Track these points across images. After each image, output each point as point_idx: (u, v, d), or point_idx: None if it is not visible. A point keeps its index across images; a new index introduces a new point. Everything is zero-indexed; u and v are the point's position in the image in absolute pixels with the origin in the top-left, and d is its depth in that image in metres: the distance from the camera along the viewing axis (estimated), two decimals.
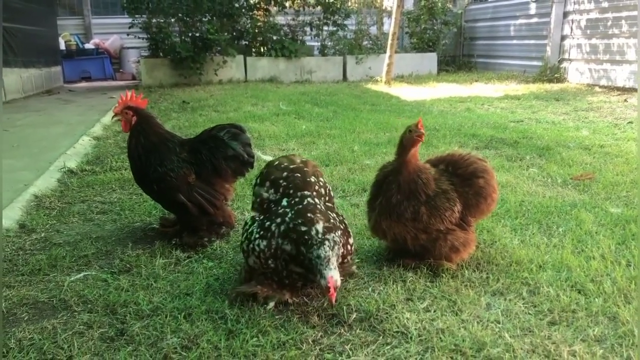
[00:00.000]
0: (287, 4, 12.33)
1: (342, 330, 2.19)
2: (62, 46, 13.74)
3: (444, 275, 2.61)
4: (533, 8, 11.70)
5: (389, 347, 2.07)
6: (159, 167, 3.00)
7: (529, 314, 2.29)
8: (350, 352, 2.04)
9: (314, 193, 2.44)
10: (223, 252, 2.99)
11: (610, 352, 2.02)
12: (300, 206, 2.32)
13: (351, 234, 2.46)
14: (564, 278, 2.56)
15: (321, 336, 2.15)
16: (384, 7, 14.53)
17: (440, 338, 2.11)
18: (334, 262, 2.14)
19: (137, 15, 11.15)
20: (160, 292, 2.52)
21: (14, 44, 9.66)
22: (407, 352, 2.04)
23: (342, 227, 2.38)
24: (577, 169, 4.43)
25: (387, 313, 2.29)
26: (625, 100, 8.15)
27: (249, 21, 12.24)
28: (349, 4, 13.40)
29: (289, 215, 2.29)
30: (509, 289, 2.49)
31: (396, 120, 6.69)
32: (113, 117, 3.13)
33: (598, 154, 4.92)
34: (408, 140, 2.57)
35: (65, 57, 13.58)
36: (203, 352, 2.04)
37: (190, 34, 11.30)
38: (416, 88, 10.54)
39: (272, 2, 12.08)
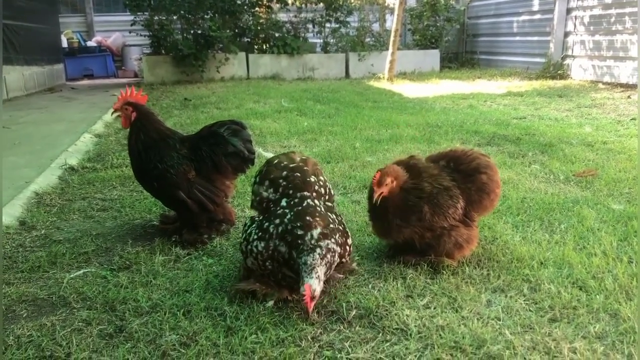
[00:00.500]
0: (289, 1, 12.30)
1: (342, 327, 2.18)
2: (65, 44, 13.75)
3: (444, 272, 2.60)
4: None
5: (388, 344, 2.06)
6: (158, 164, 2.99)
7: (530, 310, 2.28)
8: (350, 349, 2.03)
9: (314, 194, 2.43)
10: (223, 249, 2.98)
11: (611, 349, 2.00)
12: (300, 208, 2.31)
13: (349, 234, 2.45)
14: (565, 275, 2.55)
15: (320, 333, 2.14)
16: (386, 4, 14.45)
17: (440, 335, 2.10)
18: (318, 272, 2.12)
19: (139, 13, 11.13)
20: (160, 289, 2.52)
21: (16, 42, 9.67)
22: (406, 349, 2.03)
23: (340, 227, 2.37)
24: (580, 165, 4.40)
25: (386, 310, 2.28)
26: (629, 97, 8.10)
27: (251, 18, 12.21)
28: (351, 0, 13.35)
29: (288, 216, 2.28)
30: (510, 286, 2.48)
31: (398, 117, 6.67)
32: (113, 113, 3.13)
33: (601, 150, 4.89)
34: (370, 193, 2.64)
35: (67, 54, 13.60)
36: (202, 349, 2.04)
37: (192, 31, 11.29)
38: (419, 85, 10.50)
39: None
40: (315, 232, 2.19)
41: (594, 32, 9.97)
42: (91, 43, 14.62)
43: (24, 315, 2.32)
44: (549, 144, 5.12)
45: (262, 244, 2.26)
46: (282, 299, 2.35)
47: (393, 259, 2.74)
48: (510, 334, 2.09)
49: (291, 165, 2.52)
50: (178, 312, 2.29)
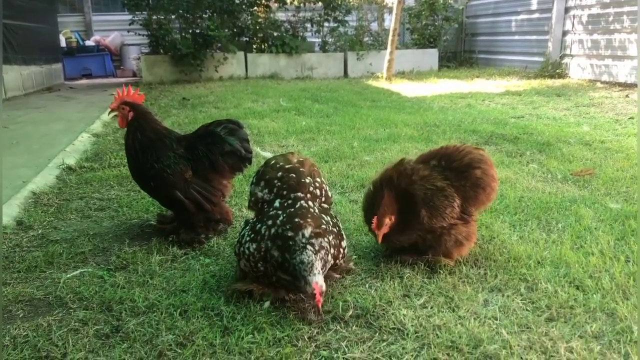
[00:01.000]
0: (287, 0, 12.30)
1: (338, 326, 2.18)
2: (63, 43, 13.72)
3: (441, 271, 2.60)
4: None
5: (385, 343, 2.06)
6: (155, 164, 2.98)
7: (527, 310, 2.27)
8: (346, 349, 2.03)
9: (308, 195, 2.41)
10: (220, 248, 2.98)
11: (608, 348, 2.00)
12: (292, 209, 2.30)
13: (344, 237, 2.45)
14: (562, 274, 2.55)
15: (317, 333, 2.14)
16: (384, 3, 14.46)
17: (437, 334, 2.09)
18: (317, 267, 2.10)
19: (137, 12, 11.13)
20: (156, 289, 2.51)
21: (15, 41, 9.65)
22: (403, 348, 2.02)
23: (335, 230, 2.36)
24: (578, 164, 4.40)
25: (383, 309, 2.28)
26: (627, 96, 8.11)
27: (249, 17, 12.20)
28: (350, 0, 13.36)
29: (280, 218, 2.27)
30: (507, 285, 2.48)
31: (396, 117, 6.67)
32: (110, 112, 3.12)
33: (598, 149, 4.89)
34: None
35: (65, 54, 13.57)
36: (198, 349, 2.03)
37: (190, 31, 11.28)
38: (417, 84, 10.50)
39: None
40: (307, 232, 2.18)
41: (592, 31, 9.98)
42: (89, 42, 14.60)
43: (20, 316, 2.32)
44: (546, 143, 5.12)
45: (254, 246, 2.25)
46: (279, 299, 2.34)
47: (390, 259, 2.74)
48: (507, 333, 2.09)
49: (287, 166, 2.51)
50: (175, 312, 2.28)
